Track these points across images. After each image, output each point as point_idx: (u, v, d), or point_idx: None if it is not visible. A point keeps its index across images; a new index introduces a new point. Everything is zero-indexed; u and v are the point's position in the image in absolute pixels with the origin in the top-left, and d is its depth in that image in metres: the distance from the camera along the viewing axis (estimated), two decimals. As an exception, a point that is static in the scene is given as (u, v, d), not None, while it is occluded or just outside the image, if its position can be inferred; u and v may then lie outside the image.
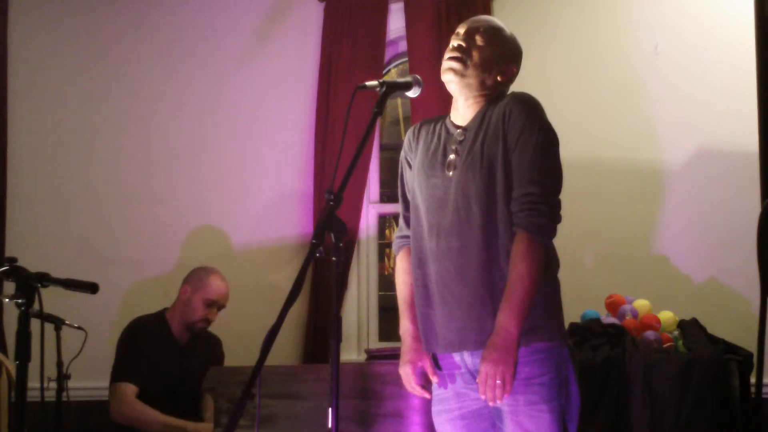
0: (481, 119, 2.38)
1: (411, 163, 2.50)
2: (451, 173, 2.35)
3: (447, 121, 2.46)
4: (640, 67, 4.33)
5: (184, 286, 3.73)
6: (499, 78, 2.42)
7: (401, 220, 2.55)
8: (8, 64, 4.25)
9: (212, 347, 3.82)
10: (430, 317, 2.35)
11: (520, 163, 2.27)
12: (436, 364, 2.39)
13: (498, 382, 2.17)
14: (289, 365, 3.97)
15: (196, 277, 3.74)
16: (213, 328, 3.84)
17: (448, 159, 2.38)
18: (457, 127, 2.42)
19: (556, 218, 2.28)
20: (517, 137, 2.29)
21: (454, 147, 2.38)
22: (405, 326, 2.46)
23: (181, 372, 3.62)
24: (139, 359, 3.58)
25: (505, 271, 2.24)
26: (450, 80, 2.40)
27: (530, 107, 2.32)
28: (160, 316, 3.72)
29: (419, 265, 2.39)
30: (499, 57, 2.42)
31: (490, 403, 2.22)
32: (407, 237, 2.49)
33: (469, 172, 2.32)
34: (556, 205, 2.28)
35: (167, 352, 3.64)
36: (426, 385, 2.43)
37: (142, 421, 3.51)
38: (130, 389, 3.53)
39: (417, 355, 2.42)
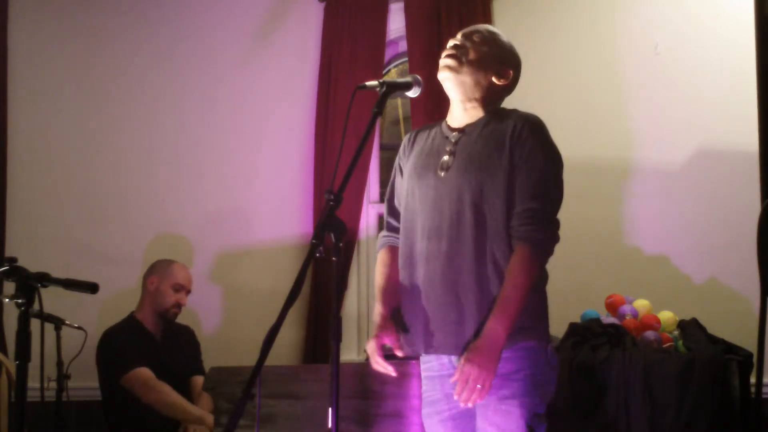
0: (482, 126, 2.38)
1: (403, 169, 2.52)
2: (443, 174, 2.36)
3: (443, 125, 2.48)
4: (640, 67, 4.32)
5: (150, 278, 3.80)
6: (494, 79, 2.42)
7: (385, 223, 2.58)
8: (8, 64, 4.25)
9: (186, 337, 3.90)
10: (416, 318, 2.37)
11: (525, 180, 2.29)
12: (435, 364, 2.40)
13: (478, 386, 2.18)
14: (289, 365, 3.98)
15: (160, 267, 3.82)
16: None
17: (442, 160, 2.38)
18: (453, 130, 2.42)
19: (556, 236, 2.30)
20: (525, 155, 2.30)
21: (448, 149, 2.39)
22: (377, 309, 2.47)
23: (165, 365, 3.65)
24: (133, 352, 3.61)
25: (491, 276, 2.26)
26: (445, 77, 2.41)
27: (540, 128, 2.35)
28: (130, 319, 3.77)
29: (408, 265, 2.40)
30: (494, 57, 2.43)
31: (462, 405, 2.22)
32: (390, 236, 2.53)
33: (463, 174, 2.33)
34: (557, 224, 2.31)
35: (149, 349, 3.68)
36: (398, 363, 2.45)
37: (166, 402, 3.55)
38: (148, 372, 3.58)
39: (383, 332, 2.42)
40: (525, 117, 2.37)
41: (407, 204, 2.45)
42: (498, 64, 2.43)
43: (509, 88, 2.48)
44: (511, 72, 2.46)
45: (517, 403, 2.24)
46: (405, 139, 2.57)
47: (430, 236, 2.34)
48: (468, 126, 2.40)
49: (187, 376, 3.77)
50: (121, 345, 3.63)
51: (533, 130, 2.33)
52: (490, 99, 2.43)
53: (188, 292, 3.84)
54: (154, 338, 3.73)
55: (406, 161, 2.50)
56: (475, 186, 2.30)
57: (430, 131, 2.50)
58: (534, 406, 2.26)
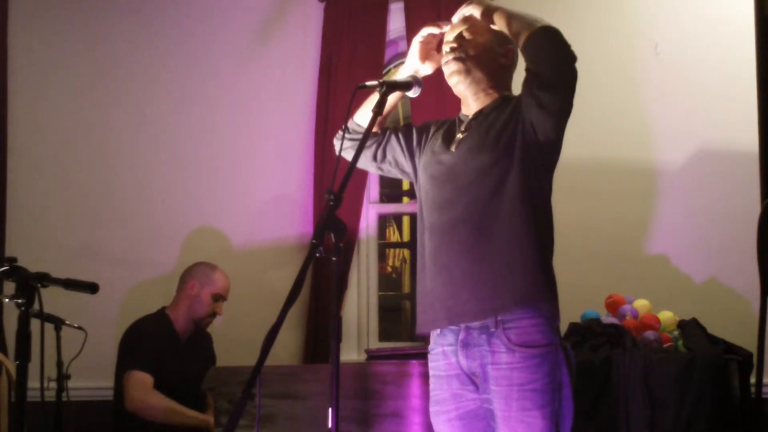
0: (497, 106, 2.41)
1: (416, 134, 2.57)
2: (454, 148, 2.39)
3: (459, 115, 2.52)
4: (640, 67, 4.32)
5: (191, 282, 3.74)
6: (502, 61, 2.46)
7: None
8: (8, 64, 4.25)
9: (206, 345, 3.86)
10: (429, 292, 2.37)
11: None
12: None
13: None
14: (289, 365, 3.98)
15: (202, 272, 3.77)
16: (214, 327, 3.84)
17: (455, 138, 2.42)
18: (467, 116, 2.46)
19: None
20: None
21: (462, 128, 2.43)
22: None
23: (182, 369, 3.63)
24: (148, 353, 3.58)
25: (502, 248, 2.25)
26: (457, 82, 2.43)
27: None
28: (161, 315, 3.73)
29: (423, 238, 2.42)
30: (492, 42, 2.46)
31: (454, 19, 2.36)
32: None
33: (475, 150, 2.35)
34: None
35: (171, 349, 3.66)
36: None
37: (167, 410, 3.50)
38: (148, 378, 3.53)
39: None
40: None
41: (419, 182, 2.48)
42: (499, 46, 2.47)
43: (515, 64, 2.53)
44: (511, 47, 2.49)
45: (540, 414, 2.22)
46: (430, 122, 2.61)
47: (441, 208, 2.36)
48: (484, 108, 2.43)
49: (199, 384, 3.71)
50: (141, 342, 3.59)
51: None
52: (502, 81, 2.47)
53: (224, 300, 3.82)
54: (178, 339, 3.70)
55: (422, 135, 2.55)
56: (486, 160, 2.31)
57: (448, 122, 2.54)
58: (554, 412, 2.24)
